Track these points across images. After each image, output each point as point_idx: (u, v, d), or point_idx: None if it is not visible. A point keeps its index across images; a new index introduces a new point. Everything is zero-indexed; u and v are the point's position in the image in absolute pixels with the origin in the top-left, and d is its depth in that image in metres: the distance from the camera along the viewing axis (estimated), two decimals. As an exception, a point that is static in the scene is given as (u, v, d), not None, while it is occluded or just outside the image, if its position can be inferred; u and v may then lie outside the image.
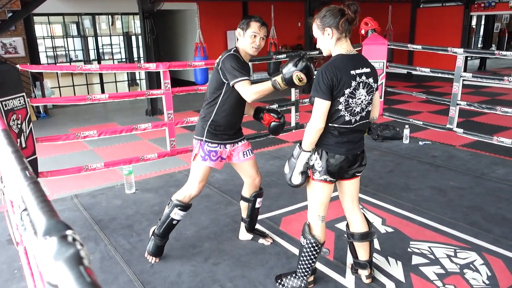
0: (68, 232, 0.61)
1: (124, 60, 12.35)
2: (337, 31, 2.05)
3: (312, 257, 2.29)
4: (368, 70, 2.09)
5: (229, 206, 3.56)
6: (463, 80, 4.57)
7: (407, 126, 5.26)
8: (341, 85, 2.01)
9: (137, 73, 12.28)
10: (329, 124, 2.08)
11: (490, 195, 3.65)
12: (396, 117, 5.53)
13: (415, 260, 2.70)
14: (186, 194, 2.67)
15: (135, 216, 3.44)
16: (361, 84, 2.06)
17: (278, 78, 2.26)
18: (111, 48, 12.15)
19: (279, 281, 2.46)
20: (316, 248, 2.26)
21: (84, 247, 0.58)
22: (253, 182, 2.87)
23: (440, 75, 4.89)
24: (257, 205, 2.91)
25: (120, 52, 12.54)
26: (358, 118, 2.12)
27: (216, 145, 2.64)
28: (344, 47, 2.08)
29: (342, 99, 2.03)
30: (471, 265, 2.63)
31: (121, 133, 3.98)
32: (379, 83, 5.08)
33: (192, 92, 4.47)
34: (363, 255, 2.41)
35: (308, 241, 2.26)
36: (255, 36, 2.49)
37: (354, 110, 2.08)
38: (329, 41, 2.09)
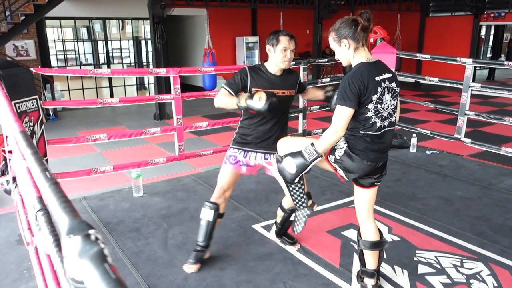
0: (91, 231, 0.64)
1: (133, 64, 12.46)
2: (353, 41, 2.08)
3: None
4: (390, 75, 2.13)
5: (235, 211, 3.57)
6: (472, 90, 4.57)
7: (414, 135, 5.26)
8: (369, 91, 2.03)
9: (145, 77, 12.37)
10: (361, 131, 2.10)
11: (498, 205, 3.64)
12: (404, 126, 5.53)
13: (421, 269, 2.70)
14: (213, 195, 2.78)
15: (143, 219, 3.47)
16: (386, 89, 2.10)
17: (242, 96, 2.44)
18: (121, 52, 12.26)
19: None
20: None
21: (107, 246, 0.61)
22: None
23: (448, 84, 4.89)
24: (292, 218, 2.82)
25: (129, 57, 12.65)
26: (387, 123, 2.15)
27: (236, 150, 2.74)
28: (363, 55, 2.11)
29: (370, 106, 2.05)
30: (477, 276, 2.62)
31: (131, 136, 4.02)
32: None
33: (200, 98, 4.50)
34: (371, 264, 2.39)
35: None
36: (285, 50, 2.55)
37: (382, 116, 2.11)
38: (346, 52, 2.12)
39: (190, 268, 2.74)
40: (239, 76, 2.59)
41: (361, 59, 2.10)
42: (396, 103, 2.18)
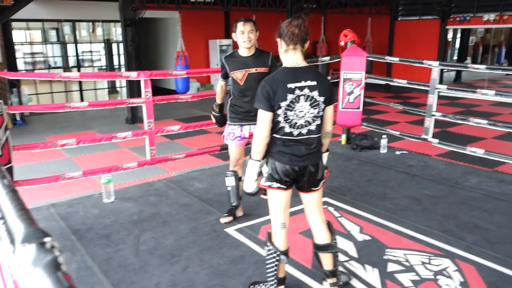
0: (47, 239, 0.62)
1: (104, 67, 12.24)
2: (284, 43, 2.17)
3: (273, 265, 2.33)
4: (313, 83, 2.11)
5: (209, 215, 3.56)
6: (438, 92, 4.70)
7: (384, 136, 5.37)
8: (277, 98, 2.08)
9: (117, 80, 12.18)
10: (273, 134, 2.18)
11: (463, 203, 3.75)
12: (374, 127, 5.64)
13: (391, 267, 2.76)
14: (230, 165, 3.44)
15: (113, 225, 3.41)
16: (302, 97, 2.10)
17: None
18: (91, 55, 12.04)
19: (251, 287, 2.55)
20: (275, 256, 2.31)
21: (63, 254, 0.60)
22: None
23: (416, 86, 5.02)
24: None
25: (100, 60, 12.43)
26: (304, 131, 2.17)
27: (233, 126, 3.32)
28: (290, 60, 2.17)
29: (280, 112, 2.11)
30: (444, 272, 2.70)
31: (100, 141, 3.95)
32: (357, 94, 5.17)
33: (173, 101, 4.47)
34: (326, 265, 2.42)
35: (267, 249, 2.34)
36: (243, 32, 3.11)
37: (296, 123, 2.14)
38: (280, 51, 2.22)
39: (225, 219, 3.43)
40: (221, 67, 3.29)
41: (286, 63, 2.17)
42: (320, 112, 2.16)
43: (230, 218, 3.43)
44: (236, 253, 2.94)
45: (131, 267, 2.79)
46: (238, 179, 3.34)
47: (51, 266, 0.55)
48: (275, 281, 2.37)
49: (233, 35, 3.17)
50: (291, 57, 2.16)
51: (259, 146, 2.17)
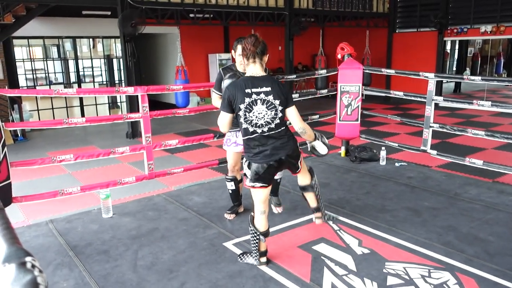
0: (28, 258, 0.63)
1: (105, 83, 12.33)
2: (245, 57, 2.64)
3: (255, 242, 2.86)
4: (268, 89, 2.57)
5: (207, 229, 3.55)
6: (435, 103, 4.72)
7: (383, 148, 5.36)
8: (236, 101, 2.54)
9: (118, 95, 12.25)
10: (243, 139, 2.65)
11: (463, 215, 3.73)
12: (373, 139, 5.64)
13: (390, 281, 2.73)
14: (229, 171, 3.71)
15: (112, 241, 3.40)
16: (259, 101, 2.55)
17: None
18: (92, 71, 12.13)
19: (240, 256, 3.00)
20: (256, 236, 2.85)
21: (43, 274, 0.60)
22: None
23: (413, 98, 5.04)
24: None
25: (101, 75, 12.53)
26: (265, 129, 2.62)
27: (229, 133, 3.55)
28: (251, 71, 2.64)
29: (240, 113, 2.56)
30: (444, 285, 2.67)
31: (98, 156, 3.96)
32: (354, 106, 5.19)
33: (172, 115, 4.49)
34: (311, 203, 3.21)
35: (250, 229, 2.88)
36: (241, 56, 3.26)
37: (257, 123, 2.58)
38: (244, 64, 2.70)
39: (228, 216, 3.74)
40: (218, 78, 3.53)
41: (248, 73, 2.64)
42: (277, 113, 2.60)
43: (233, 215, 3.76)
44: (234, 268, 2.92)
45: (128, 283, 2.77)
46: (238, 182, 3.71)
47: (29, 286, 0.55)
48: (258, 253, 2.88)
49: (232, 52, 3.43)
50: (251, 68, 2.64)
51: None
